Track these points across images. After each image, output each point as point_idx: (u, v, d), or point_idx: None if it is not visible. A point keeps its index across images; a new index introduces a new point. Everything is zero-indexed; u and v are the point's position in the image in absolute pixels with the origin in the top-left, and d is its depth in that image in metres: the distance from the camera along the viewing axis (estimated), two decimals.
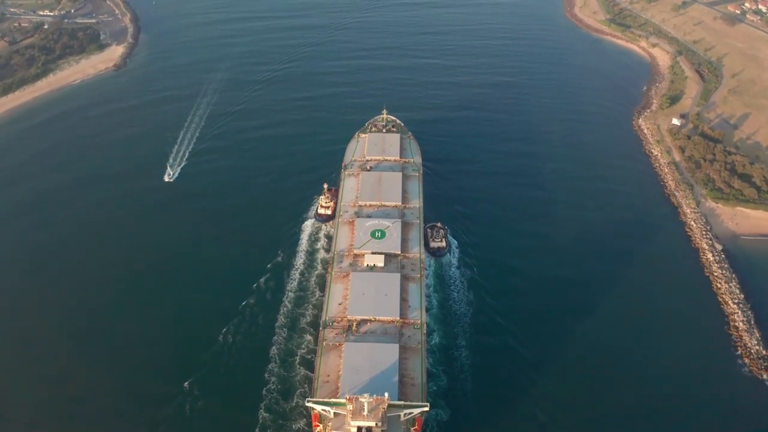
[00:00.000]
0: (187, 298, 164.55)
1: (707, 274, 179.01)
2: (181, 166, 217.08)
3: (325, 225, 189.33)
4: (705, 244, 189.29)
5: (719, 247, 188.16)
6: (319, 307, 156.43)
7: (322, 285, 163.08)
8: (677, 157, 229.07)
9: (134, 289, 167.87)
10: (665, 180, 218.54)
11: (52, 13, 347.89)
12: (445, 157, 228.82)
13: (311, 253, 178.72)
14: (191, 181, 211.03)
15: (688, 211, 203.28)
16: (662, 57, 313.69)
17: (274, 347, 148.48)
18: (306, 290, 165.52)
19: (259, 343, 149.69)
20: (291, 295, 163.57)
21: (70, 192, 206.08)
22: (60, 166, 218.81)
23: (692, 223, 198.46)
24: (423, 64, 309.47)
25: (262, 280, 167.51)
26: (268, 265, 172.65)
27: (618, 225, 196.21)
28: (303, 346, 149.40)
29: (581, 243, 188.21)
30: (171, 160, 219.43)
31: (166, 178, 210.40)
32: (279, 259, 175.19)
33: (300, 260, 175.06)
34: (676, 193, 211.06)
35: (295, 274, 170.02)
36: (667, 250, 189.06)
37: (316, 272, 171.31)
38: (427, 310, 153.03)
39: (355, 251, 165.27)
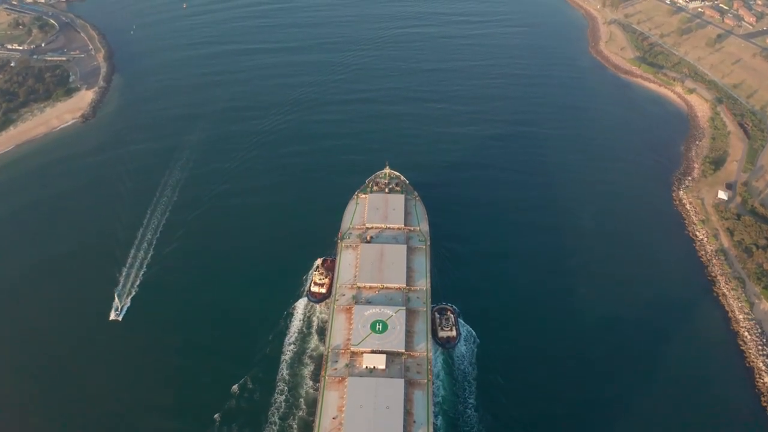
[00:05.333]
0: None
1: (764, 405, 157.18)
2: (144, 264, 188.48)
3: (319, 307, 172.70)
4: (761, 363, 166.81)
5: None
6: None
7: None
8: (726, 242, 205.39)
9: None
10: (713, 273, 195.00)
11: (21, 47, 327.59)
12: (455, 231, 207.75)
13: (295, 387, 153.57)
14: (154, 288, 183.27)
15: (740, 317, 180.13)
16: (701, 106, 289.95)
17: None
18: None
19: None
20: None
21: None
22: None
23: (746, 333, 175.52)
24: (430, 109, 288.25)
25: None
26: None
27: (660, 334, 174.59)
28: None
29: (615, 351, 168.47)
30: (123, 277, 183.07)
31: (113, 315, 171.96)
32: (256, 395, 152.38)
33: (281, 396, 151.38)
34: (726, 293, 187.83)
35: (274, 416, 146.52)
36: (716, 366, 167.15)
37: (300, 414, 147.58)
38: None
39: (353, 348, 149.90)
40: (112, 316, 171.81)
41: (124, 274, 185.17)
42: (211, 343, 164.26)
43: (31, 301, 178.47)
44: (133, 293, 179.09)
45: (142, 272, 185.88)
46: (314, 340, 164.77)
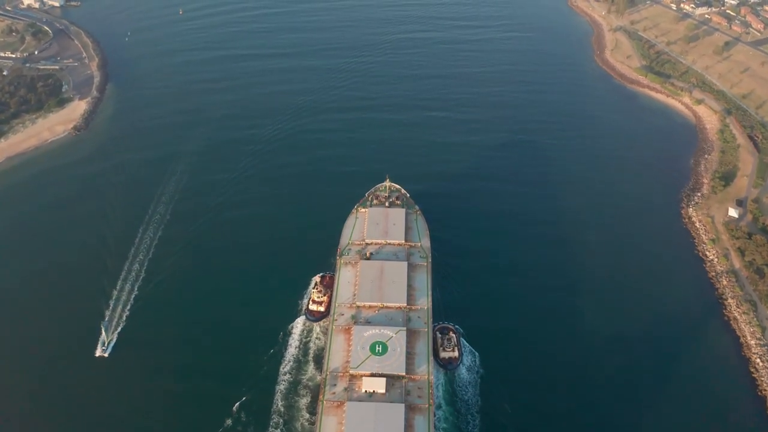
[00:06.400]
0: None
1: None
2: (131, 297, 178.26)
3: (317, 328, 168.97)
4: None
5: None
6: None
7: None
8: (737, 263, 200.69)
9: None
10: (724, 296, 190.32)
11: (13, 55, 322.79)
12: (457, 246, 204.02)
13: (290, 420, 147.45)
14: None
15: (752, 342, 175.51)
16: (709, 117, 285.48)
17: None
18: None
19: None
20: None
21: None
22: None
23: (758, 360, 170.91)
24: (431, 118, 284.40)
25: None
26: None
27: (668, 359, 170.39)
28: None
29: (622, 376, 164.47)
30: (112, 300, 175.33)
31: (99, 351, 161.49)
32: None
33: (276, 430, 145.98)
34: (737, 316, 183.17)
35: None
36: (726, 395, 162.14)
37: None
38: None
39: (352, 371, 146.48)
40: (98, 352, 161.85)
41: (113, 297, 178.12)
42: (204, 373, 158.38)
43: (4, 335, 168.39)
44: (122, 325, 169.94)
45: (133, 295, 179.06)
46: (311, 368, 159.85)
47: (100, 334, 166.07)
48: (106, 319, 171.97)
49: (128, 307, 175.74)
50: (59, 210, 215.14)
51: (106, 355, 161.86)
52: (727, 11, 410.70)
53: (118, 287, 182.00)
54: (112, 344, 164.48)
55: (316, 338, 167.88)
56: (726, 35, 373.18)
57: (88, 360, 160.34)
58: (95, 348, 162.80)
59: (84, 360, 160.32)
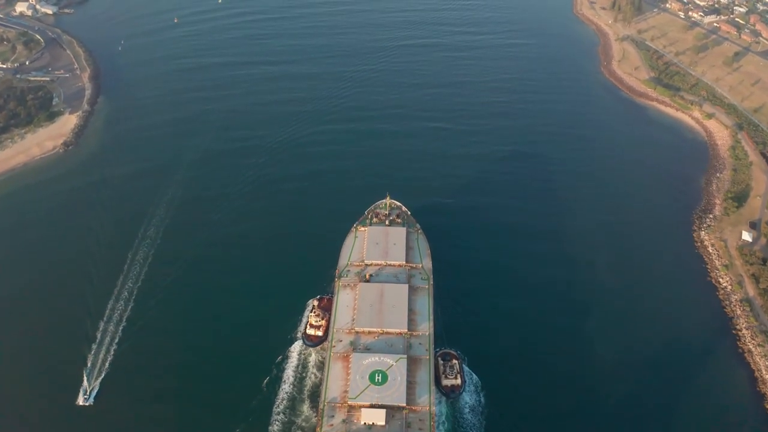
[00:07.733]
0: None
1: None
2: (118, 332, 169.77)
3: (314, 356, 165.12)
4: None
5: None
6: None
7: None
8: (751, 290, 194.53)
9: None
10: (738, 326, 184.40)
11: (4, 66, 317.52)
12: (459, 265, 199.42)
13: None
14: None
15: None
16: (720, 133, 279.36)
17: None
18: None
19: None
20: None
21: None
22: None
23: None
24: (433, 129, 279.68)
25: None
26: None
27: (679, 394, 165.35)
28: None
29: (631, 409, 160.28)
30: (98, 333, 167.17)
31: (81, 400, 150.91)
32: None
33: None
34: (752, 348, 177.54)
35: None
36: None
37: None
38: None
39: (350, 402, 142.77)
40: (81, 400, 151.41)
41: (99, 329, 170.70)
42: (195, 408, 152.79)
43: None
44: (105, 371, 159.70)
45: (121, 327, 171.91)
46: (306, 407, 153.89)
47: (82, 381, 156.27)
48: (89, 361, 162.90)
49: (115, 342, 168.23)
50: (42, 233, 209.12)
51: (89, 403, 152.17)
52: (736, 19, 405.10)
53: (105, 316, 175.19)
54: (95, 392, 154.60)
55: (312, 373, 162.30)
56: (736, 45, 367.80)
57: (69, 410, 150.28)
58: (77, 396, 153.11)
59: (65, 410, 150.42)
